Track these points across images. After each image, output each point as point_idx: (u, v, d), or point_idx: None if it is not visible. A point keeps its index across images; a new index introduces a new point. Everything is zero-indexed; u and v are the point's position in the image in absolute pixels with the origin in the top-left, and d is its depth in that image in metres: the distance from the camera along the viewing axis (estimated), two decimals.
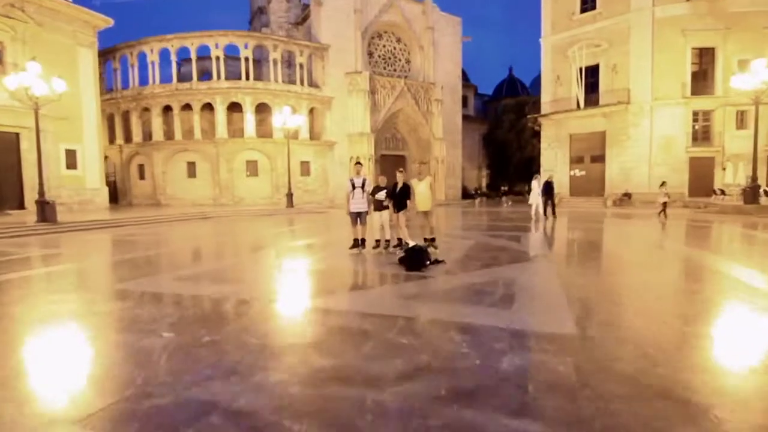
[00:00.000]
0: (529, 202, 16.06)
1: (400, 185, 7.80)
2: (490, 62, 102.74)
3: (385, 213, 7.79)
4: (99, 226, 16.17)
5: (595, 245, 9.35)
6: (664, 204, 15.79)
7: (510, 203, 30.17)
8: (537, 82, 63.40)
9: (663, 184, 16.72)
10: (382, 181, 7.99)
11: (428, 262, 6.03)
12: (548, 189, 15.87)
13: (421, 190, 7.71)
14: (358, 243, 7.85)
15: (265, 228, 15.76)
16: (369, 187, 7.83)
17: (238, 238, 11.70)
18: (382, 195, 7.73)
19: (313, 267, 6.68)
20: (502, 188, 41.20)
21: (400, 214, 7.73)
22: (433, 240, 7.69)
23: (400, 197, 7.70)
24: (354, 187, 7.76)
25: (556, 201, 16.48)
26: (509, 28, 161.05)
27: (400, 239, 7.73)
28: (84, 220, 16.32)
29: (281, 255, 7.96)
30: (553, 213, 15.95)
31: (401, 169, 8.13)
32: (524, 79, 59.68)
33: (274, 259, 7.32)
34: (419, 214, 7.77)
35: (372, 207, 7.83)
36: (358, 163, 8.05)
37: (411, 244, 6.38)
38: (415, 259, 5.93)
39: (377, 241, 7.90)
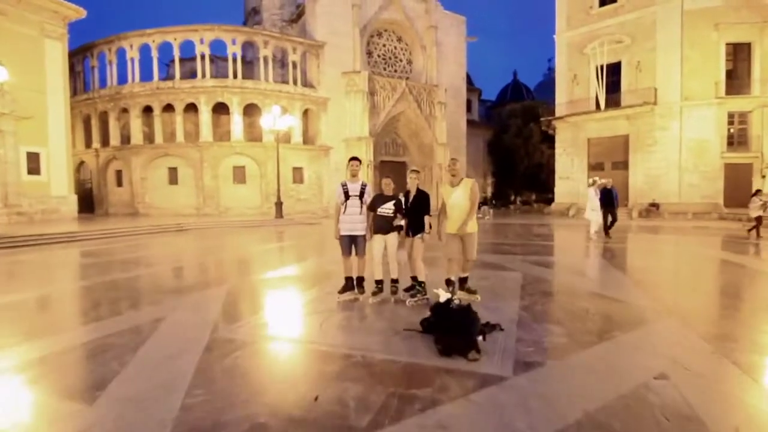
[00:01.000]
0: (586, 217, 12.70)
1: (413, 194, 5.11)
2: (492, 68, 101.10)
3: (393, 237, 5.09)
4: (47, 241, 13.52)
5: (715, 284, 6.38)
6: (759, 219, 12.66)
7: (489, 217, 24.47)
8: (542, 87, 61.56)
9: (757, 192, 13.68)
10: (388, 186, 5.15)
11: (481, 337, 3.32)
12: (608, 199, 12.14)
13: (456, 200, 4.84)
14: (352, 285, 5.21)
15: (243, 245, 13.15)
16: (369, 197, 5.20)
17: (200, 264, 9.05)
18: (388, 208, 5.01)
19: (275, 338, 3.93)
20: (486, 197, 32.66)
21: (416, 239, 5.02)
22: (464, 281, 4.98)
23: (414, 213, 5.04)
24: (348, 196, 5.06)
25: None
26: (510, 34, 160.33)
27: (415, 279, 5.07)
28: (28, 234, 13.65)
29: (235, 304, 5.21)
30: (606, 230, 12.23)
31: (415, 169, 5.36)
32: (527, 85, 57.68)
33: (219, 316, 4.53)
34: (453, 238, 4.90)
35: (372, 228, 5.18)
36: (355, 159, 5.17)
37: (441, 296, 3.69)
38: (457, 334, 3.22)
39: (378, 283, 5.17)
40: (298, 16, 33.62)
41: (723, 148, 21.99)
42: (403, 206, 5.10)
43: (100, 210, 29.06)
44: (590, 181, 12.95)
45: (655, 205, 22.93)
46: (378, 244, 5.10)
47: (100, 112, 28.36)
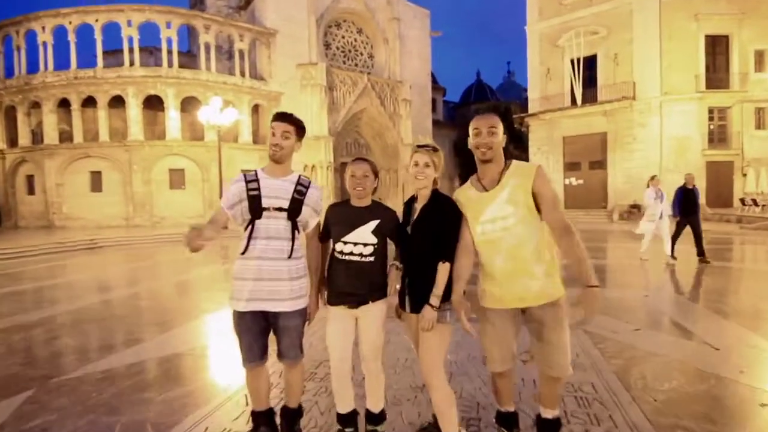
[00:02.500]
0: (638, 231, 8.77)
1: (421, 204, 2.05)
2: (452, 69, 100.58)
3: (373, 314, 2.09)
4: None
5: None
6: None
7: None
8: (502, 89, 60.84)
9: None
10: (363, 182, 2.09)
11: None
12: (690, 203, 8.10)
13: (502, 224, 1.88)
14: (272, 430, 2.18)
15: (164, 270, 10.06)
16: (314, 215, 2.16)
17: (59, 316, 5.90)
18: (362, 238, 2.06)
19: None
20: None
21: (426, 314, 1.89)
22: (552, 428, 2.01)
23: (424, 251, 1.98)
24: (259, 209, 2.02)
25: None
26: (468, 35, 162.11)
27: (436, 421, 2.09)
28: None
29: None
30: (701, 252, 8.07)
31: (428, 144, 2.05)
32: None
33: None
34: (502, 318, 1.95)
35: (323, 290, 2.22)
36: (283, 118, 2.07)
37: None
38: None
39: (347, 422, 2.15)
40: (246, 2, 30.28)
41: (704, 146, 20.88)
42: (401, 233, 2.11)
43: (8, 223, 24.46)
44: (650, 179, 8.68)
45: (636, 207, 21.48)
46: (340, 330, 2.11)
47: (6, 106, 23.94)
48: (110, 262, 11.88)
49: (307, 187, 2.13)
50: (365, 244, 2.07)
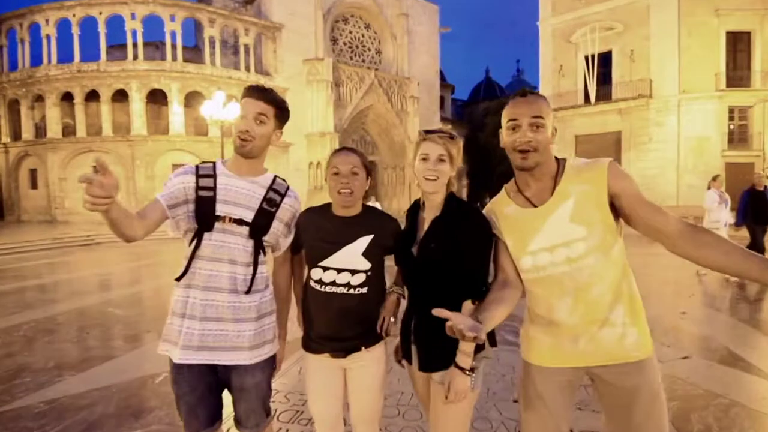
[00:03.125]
0: None
1: (432, 218, 1.43)
2: (460, 67, 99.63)
3: (369, 366, 1.54)
4: None
5: None
6: None
7: None
8: (511, 88, 60.06)
9: None
10: (353, 181, 1.49)
11: None
12: (754, 207, 7.19)
13: (568, 251, 1.23)
14: None
15: (156, 271, 9.63)
16: (287, 234, 1.57)
17: (16, 326, 5.58)
18: (348, 262, 1.49)
19: None
20: None
21: (457, 384, 1.24)
22: None
23: (438, 281, 1.37)
24: (209, 219, 1.42)
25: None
26: (477, 32, 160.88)
27: None
28: None
29: None
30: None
31: (436, 131, 1.40)
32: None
33: None
34: (556, 384, 1.30)
35: (302, 326, 1.63)
36: (255, 92, 1.46)
37: None
38: None
39: None
40: None
41: (724, 146, 20.08)
42: (405, 254, 1.48)
43: (11, 217, 24.29)
44: (712, 179, 7.73)
45: None
46: (323, 390, 1.56)
47: (9, 99, 23.73)
48: (105, 260, 11.50)
49: (282, 195, 1.53)
50: (354, 271, 1.49)
